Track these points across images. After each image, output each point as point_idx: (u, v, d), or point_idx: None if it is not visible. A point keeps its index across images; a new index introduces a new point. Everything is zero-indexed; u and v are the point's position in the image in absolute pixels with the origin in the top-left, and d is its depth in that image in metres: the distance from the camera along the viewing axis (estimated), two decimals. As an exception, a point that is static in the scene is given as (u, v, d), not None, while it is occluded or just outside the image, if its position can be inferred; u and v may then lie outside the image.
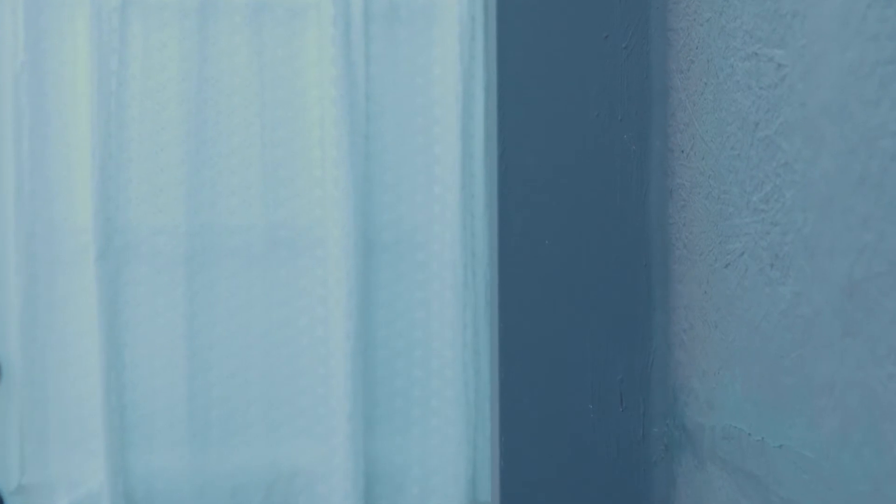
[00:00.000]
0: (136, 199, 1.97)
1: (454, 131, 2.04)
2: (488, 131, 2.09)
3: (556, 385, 1.11)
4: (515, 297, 1.10)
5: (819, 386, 0.75)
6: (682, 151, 1.03)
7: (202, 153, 2.00)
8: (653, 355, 1.10)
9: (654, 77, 1.09)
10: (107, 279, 1.94)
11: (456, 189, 2.03)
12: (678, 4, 1.05)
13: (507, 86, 1.14)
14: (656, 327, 1.09)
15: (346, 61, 2.00)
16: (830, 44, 0.74)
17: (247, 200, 2.01)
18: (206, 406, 2.00)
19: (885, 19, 0.66)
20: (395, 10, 2.04)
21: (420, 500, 2.06)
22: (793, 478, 0.79)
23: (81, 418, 1.96)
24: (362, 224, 2.02)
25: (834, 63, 0.73)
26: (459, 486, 2.05)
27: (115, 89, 1.95)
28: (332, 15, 1.99)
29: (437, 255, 2.06)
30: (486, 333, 2.04)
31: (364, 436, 2.02)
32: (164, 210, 1.98)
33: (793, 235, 0.79)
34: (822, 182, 0.75)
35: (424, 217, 2.06)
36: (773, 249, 0.83)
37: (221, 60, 2.00)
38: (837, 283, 0.73)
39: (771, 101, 0.83)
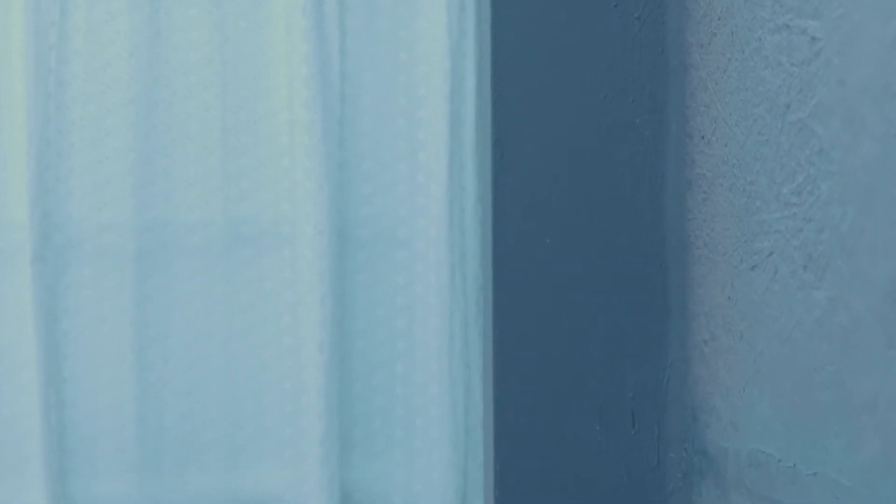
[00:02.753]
0: (79, 191, 1.96)
1: (441, 114, 2.03)
2: (480, 115, 2.09)
3: (559, 403, 1.11)
4: (511, 304, 1.09)
5: (859, 404, 0.75)
6: (703, 137, 1.03)
7: (154, 140, 1.99)
8: (669, 370, 1.10)
9: (671, 52, 1.09)
10: (45, 282, 1.93)
11: (443, 180, 2.03)
12: (697, -30, 1.05)
13: (502, 63, 1.13)
14: (673, 337, 1.08)
15: (319, 35, 2.00)
16: (871, 13, 0.73)
17: (205, 193, 2.01)
18: (158, 427, 1.99)
19: (936, -14, 0.66)
20: (374, -24, 2.04)
21: (402, 533, 2.05)
22: (829, 509, 0.79)
23: (17, 441, 1.95)
24: (336, 220, 2.02)
25: (875, 36, 0.73)
26: (447, 517, 2.05)
27: (55, 66, 1.94)
28: (303, -18, 1.99)
29: (421, 255, 2.06)
30: (478, 344, 2.04)
31: (339, 460, 2.01)
32: (110, 204, 1.97)
33: (829, 233, 0.79)
34: (862, 171, 0.75)
35: (407, 211, 2.06)
36: (806, 249, 0.83)
37: (175, 34, 2.00)
38: (880, 287, 0.72)
39: (804, 79, 0.82)
